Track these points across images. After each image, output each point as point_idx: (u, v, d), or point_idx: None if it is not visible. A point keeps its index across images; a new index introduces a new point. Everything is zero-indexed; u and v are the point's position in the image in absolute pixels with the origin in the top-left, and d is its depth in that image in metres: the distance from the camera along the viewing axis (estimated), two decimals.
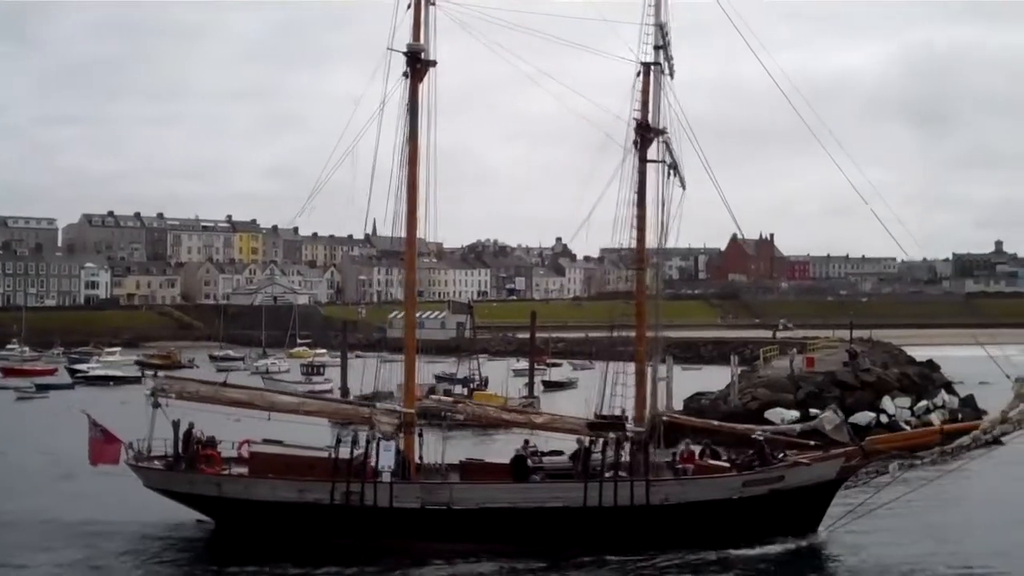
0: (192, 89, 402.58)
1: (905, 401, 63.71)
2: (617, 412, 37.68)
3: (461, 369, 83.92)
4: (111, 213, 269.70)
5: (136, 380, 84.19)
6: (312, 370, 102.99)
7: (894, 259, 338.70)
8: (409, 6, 36.38)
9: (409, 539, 33.60)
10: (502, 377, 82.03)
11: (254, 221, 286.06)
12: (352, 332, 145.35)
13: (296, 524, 34.40)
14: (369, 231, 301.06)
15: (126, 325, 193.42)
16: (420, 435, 36.56)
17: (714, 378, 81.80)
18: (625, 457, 35.90)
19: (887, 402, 62.64)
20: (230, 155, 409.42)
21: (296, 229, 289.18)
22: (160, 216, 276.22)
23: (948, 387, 77.02)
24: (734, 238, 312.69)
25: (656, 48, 39.04)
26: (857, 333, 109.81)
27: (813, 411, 51.57)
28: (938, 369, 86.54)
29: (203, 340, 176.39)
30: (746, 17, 37.11)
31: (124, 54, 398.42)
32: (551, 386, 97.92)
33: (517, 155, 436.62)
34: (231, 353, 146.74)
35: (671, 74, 39.39)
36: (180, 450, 36.38)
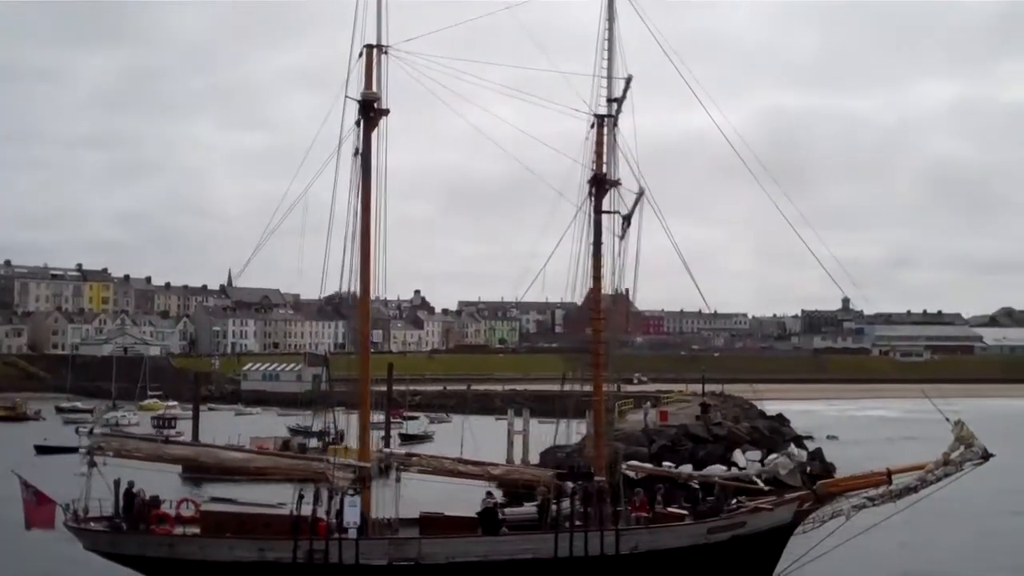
0: (41, 134, 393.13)
1: (756, 454, 64.85)
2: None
3: (317, 422, 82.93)
4: None
5: None
6: (163, 423, 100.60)
7: (745, 315, 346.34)
8: (361, 54, 36.20)
9: None
10: (358, 430, 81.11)
11: (105, 270, 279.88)
12: (205, 384, 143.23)
13: None
14: (280, 285, 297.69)
15: None
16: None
17: (570, 431, 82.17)
18: (579, 507, 35.96)
19: (738, 455, 63.70)
20: (81, 202, 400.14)
21: (149, 278, 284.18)
22: (7, 263, 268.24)
23: (798, 440, 78.73)
24: (590, 292, 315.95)
25: (609, 101, 39.54)
26: (709, 387, 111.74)
27: (666, 463, 52.22)
28: (787, 423, 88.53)
29: (50, 391, 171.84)
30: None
31: None
32: (408, 439, 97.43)
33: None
34: (79, 405, 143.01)
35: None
36: (121, 510, 34.85)
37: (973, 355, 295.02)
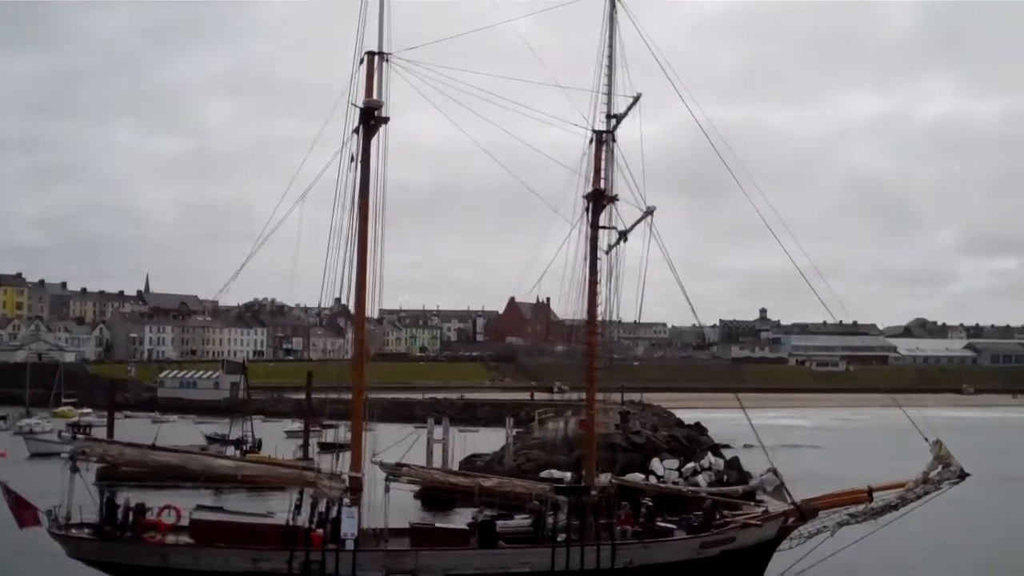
0: None
1: (673, 463, 65.48)
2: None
3: (234, 430, 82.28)
4: None
5: None
6: (78, 430, 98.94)
7: (665, 324, 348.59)
8: (362, 61, 35.96)
9: None
10: (276, 439, 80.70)
11: (19, 275, 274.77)
12: (120, 391, 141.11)
13: None
14: (213, 295, 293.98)
15: None
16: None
17: (490, 440, 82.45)
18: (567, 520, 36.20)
19: (656, 464, 64.26)
20: None
21: (64, 284, 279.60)
22: None
23: (715, 449, 79.43)
24: (512, 301, 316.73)
25: (609, 117, 39.82)
26: (629, 396, 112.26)
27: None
28: (705, 432, 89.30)
29: None
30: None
31: None
32: (327, 448, 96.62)
33: (294, 215, 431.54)
34: None
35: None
36: (104, 517, 34.03)
37: (888, 365, 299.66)
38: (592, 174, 40.09)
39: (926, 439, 37.04)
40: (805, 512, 37.28)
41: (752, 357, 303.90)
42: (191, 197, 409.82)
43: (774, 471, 40.01)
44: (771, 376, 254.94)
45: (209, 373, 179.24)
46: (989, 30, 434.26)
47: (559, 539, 35.17)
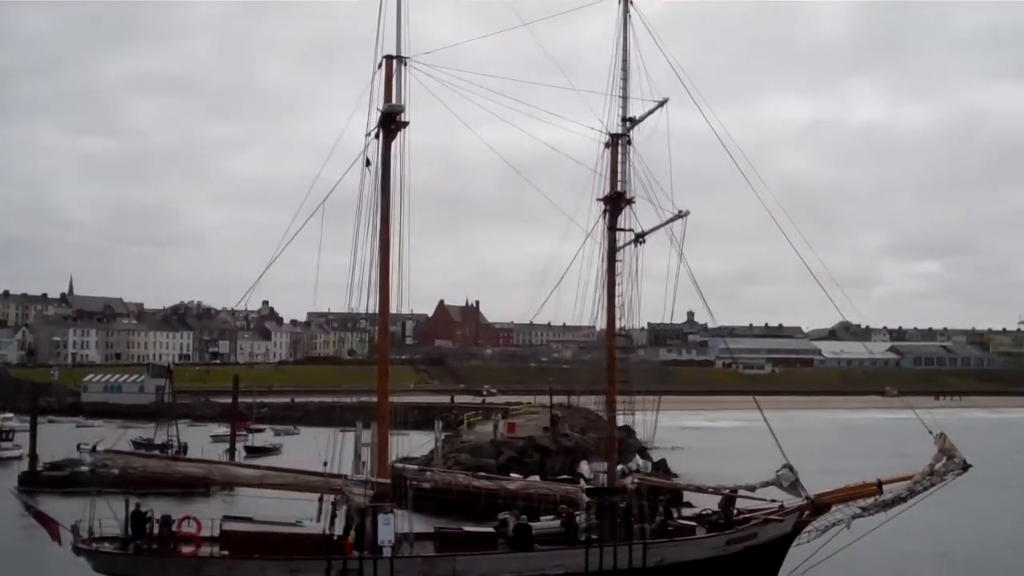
0: None
1: (602, 465, 65.61)
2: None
3: (160, 435, 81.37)
4: None
5: None
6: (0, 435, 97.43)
7: (593, 327, 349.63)
8: (380, 66, 35.81)
9: None
10: (202, 443, 79.94)
11: None
12: (43, 395, 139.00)
13: None
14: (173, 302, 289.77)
15: None
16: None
17: (419, 443, 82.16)
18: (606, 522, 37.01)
19: (584, 466, 64.33)
20: None
21: None
22: None
23: (643, 452, 79.78)
24: (441, 304, 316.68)
25: (624, 120, 40.30)
26: (557, 399, 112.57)
27: (514, 475, 52.64)
28: (633, 434, 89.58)
29: None
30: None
31: None
32: (253, 452, 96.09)
33: (225, 217, 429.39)
34: None
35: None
36: (131, 529, 33.41)
37: (812, 368, 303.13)
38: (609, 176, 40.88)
39: (930, 432, 38.31)
40: (819, 506, 38.49)
41: (680, 360, 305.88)
42: (116, 198, 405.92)
43: (789, 467, 40.66)
44: (698, 379, 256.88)
45: (134, 377, 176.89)
46: (919, 37, 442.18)
47: (587, 539, 35.93)
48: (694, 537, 37.87)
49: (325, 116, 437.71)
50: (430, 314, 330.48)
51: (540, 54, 41.16)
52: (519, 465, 61.18)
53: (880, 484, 38.09)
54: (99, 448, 34.60)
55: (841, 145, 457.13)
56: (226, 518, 35.09)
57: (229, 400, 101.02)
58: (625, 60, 40.07)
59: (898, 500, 37.59)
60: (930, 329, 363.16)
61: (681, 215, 40.55)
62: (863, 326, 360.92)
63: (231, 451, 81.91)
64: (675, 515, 40.16)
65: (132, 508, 33.92)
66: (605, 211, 40.97)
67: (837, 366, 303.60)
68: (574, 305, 42.99)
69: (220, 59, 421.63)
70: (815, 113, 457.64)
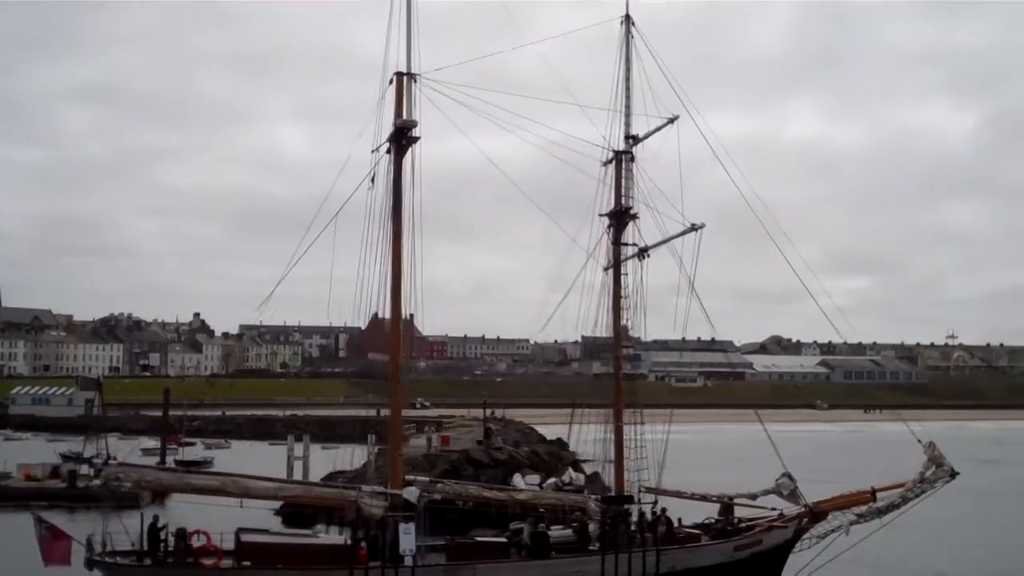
0: None
1: (535, 478, 65.80)
2: None
3: (88, 448, 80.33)
4: None
5: None
6: None
7: (527, 340, 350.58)
8: (391, 81, 36.17)
9: None
10: (132, 457, 78.86)
11: None
12: None
13: None
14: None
15: None
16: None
17: (352, 456, 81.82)
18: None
19: (518, 479, 64.44)
20: None
21: None
22: None
23: (575, 464, 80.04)
24: (375, 317, 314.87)
25: (627, 138, 41.25)
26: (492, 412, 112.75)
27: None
28: (567, 447, 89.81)
29: None
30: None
31: None
32: (184, 466, 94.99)
33: (157, 228, 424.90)
34: None
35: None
36: (148, 543, 33.12)
37: (744, 381, 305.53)
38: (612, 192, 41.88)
39: (919, 441, 39.51)
40: (817, 514, 39.87)
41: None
42: (45, 208, 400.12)
43: (788, 475, 41.46)
44: (630, 392, 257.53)
45: (63, 389, 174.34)
46: (854, 56, 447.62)
47: (599, 547, 36.93)
48: (704, 544, 39.13)
49: (261, 127, 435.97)
50: (363, 327, 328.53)
51: (544, 74, 42.08)
52: (452, 477, 61.03)
53: (874, 492, 39.70)
54: (112, 462, 34.46)
55: (775, 161, 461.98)
56: (241, 530, 35.05)
57: (159, 413, 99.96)
58: (628, 79, 41.43)
59: (891, 507, 39.11)
60: (860, 344, 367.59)
61: (695, 228, 41.44)
62: (794, 340, 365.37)
63: (161, 465, 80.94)
64: (676, 523, 40.55)
65: (150, 521, 33.79)
66: (610, 226, 42.15)
67: (768, 379, 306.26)
68: (576, 318, 44.21)
69: (155, 69, 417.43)
70: (750, 129, 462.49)
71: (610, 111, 41.40)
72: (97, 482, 67.88)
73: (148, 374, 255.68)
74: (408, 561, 33.46)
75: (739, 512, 42.15)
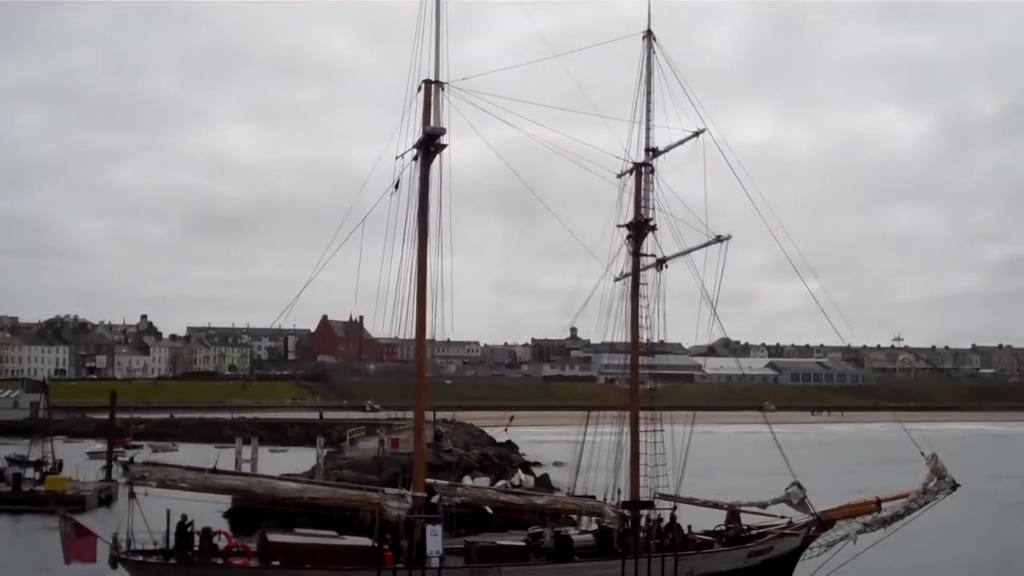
0: None
1: (484, 481, 65.89)
2: None
3: (34, 451, 79.54)
4: None
5: None
6: None
7: (477, 343, 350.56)
8: (420, 89, 36.40)
9: None
10: (78, 460, 78.33)
11: None
12: None
13: None
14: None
15: None
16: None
17: (300, 459, 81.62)
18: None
19: (467, 482, 64.54)
20: None
21: None
22: None
23: (525, 467, 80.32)
24: (324, 320, 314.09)
25: (647, 150, 41.95)
26: (441, 414, 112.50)
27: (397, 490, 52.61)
28: (516, 450, 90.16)
29: None
30: None
31: None
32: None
33: (104, 229, 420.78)
34: None
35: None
36: (176, 542, 33.11)
37: (693, 383, 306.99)
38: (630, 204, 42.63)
39: (922, 453, 40.50)
40: (824, 523, 40.75)
41: (563, 375, 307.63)
42: None
43: (798, 484, 42.02)
44: (581, 394, 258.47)
45: (7, 392, 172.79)
46: (805, 62, 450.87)
47: (619, 551, 37.54)
48: (721, 550, 39.96)
49: (210, 129, 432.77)
50: (312, 329, 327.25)
51: (568, 86, 43.05)
52: (405, 482, 60.94)
53: (879, 502, 40.65)
54: (135, 461, 34.60)
55: (725, 166, 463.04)
56: (266, 530, 35.31)
57: (106, 416, 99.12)
58: (648, 92, 42.08)
59: (896, 517, 40.08)
60: (807, 346, 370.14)
61: (720, 239, 42.19)
62: (742, 343, 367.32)
63: (108, 468, 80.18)
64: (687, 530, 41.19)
65: (178, 521, 33.79)
66: (629, 237, 42.76)
67: (717, 381, 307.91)
68: (595, 326, 45.67)
69: (104, 69, 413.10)
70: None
71: (631, 123, 42.24)
72: (42, 487, 67.55)
73: (95, 376, 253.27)
74: (435, 563, 33.89)
75: (744, 520, 43.04)
